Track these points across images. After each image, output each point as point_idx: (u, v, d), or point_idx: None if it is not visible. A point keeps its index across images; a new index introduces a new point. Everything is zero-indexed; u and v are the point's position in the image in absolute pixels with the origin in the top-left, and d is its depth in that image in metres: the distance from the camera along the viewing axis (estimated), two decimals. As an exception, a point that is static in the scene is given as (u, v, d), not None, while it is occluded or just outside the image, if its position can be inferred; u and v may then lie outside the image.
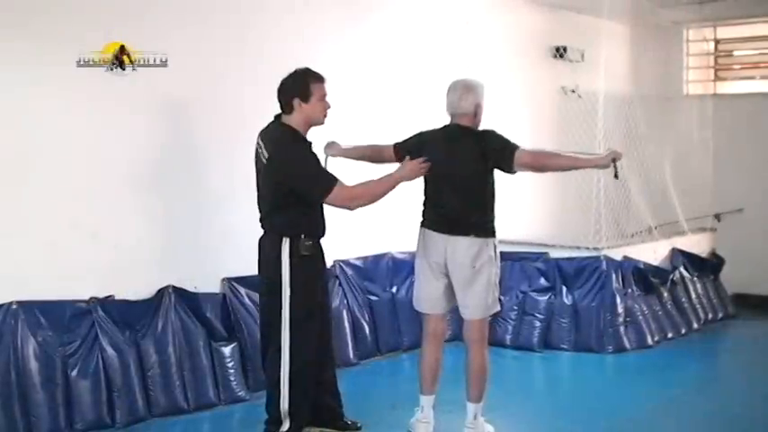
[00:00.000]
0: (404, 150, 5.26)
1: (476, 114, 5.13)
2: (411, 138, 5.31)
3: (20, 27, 5.06)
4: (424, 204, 5.23)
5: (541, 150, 5.23)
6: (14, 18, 5.04)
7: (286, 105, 4.85)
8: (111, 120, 5.48)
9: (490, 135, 5.12)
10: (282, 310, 4.78)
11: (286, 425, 4.84)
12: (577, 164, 5.31)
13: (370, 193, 4.86)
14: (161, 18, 5.71)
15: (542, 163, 5.17)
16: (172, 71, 5.67)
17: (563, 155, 5.25)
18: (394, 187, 4.89)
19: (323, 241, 4.99)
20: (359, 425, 5.24)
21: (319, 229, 4.93)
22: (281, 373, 4.81)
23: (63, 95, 5.26)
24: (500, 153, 5.01)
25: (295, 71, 4.87)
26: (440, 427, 5.25)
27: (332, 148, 5.43)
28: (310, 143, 4.88)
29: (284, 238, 4.78)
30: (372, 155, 5.46)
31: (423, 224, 5.22)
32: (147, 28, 5.62)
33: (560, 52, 8.98)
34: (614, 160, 5.02)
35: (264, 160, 4.78)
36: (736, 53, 10.34)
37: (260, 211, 4.93)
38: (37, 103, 5.14)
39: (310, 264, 4.86)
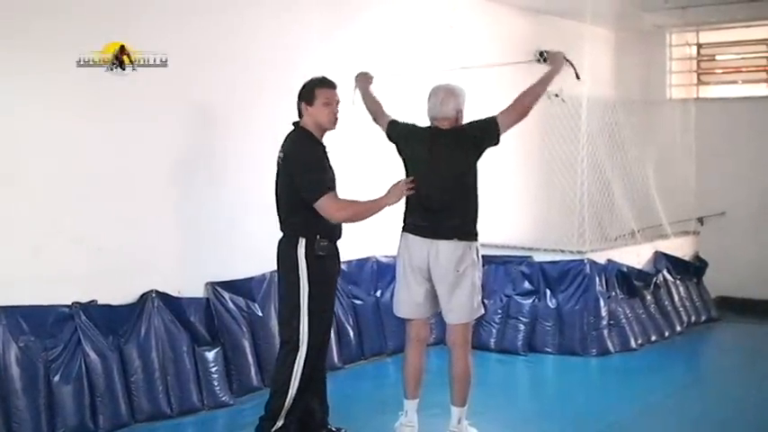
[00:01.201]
0: (393, 131, 5.31)
1: (457, 120, 5.16)
2: (404, 124, 5.33)
3: (20, 27, 5.05)
4: (406, 208, 5.21)
5: (514, 101, 5.21)
6: (15, 18, 5.03)
7: (299, 110, 5.00)
8: (110, 120, 5.47)
9: (466, 126, 5.17)
10: (301, 312, 4.84)
11: (280, 422, 4.87)
12: (545, 84, 5.31)
13: (355, 212, 4.95)
14: (161, 18, 5.71)
15: (524, 107, 5.17)
16: (172, 71, 5.67)
17: (530, 89, 5.24)
18: (378, 211, 4.96)
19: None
20: (343, 430, 5.23)
21: (335, 231, 4.98)
22: (294, 371, 4.85)
23: (63, 95, 5.25)
24: (483, 131, 5.09)
25: (310, 79, 5.00)
26: (424, 431, 5.24)
27: (362, 80, 5.61)
28: (323, 147, 4.97)
29: (300, 239, 4.85)
30: (375, 113, 5.49)
31: (404, 228, 5.20)
32: (147, 28, 5.62)
33: (544, 57, 8.98)
34: (565, 58, 5.11)
35: (280, 161, 4.91)
36: (718, 57, 10.39)
37: (278, 214, 4.98)
38: (37, 104, 5.13)
39: (326, 265, 4.92)
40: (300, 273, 4.84)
